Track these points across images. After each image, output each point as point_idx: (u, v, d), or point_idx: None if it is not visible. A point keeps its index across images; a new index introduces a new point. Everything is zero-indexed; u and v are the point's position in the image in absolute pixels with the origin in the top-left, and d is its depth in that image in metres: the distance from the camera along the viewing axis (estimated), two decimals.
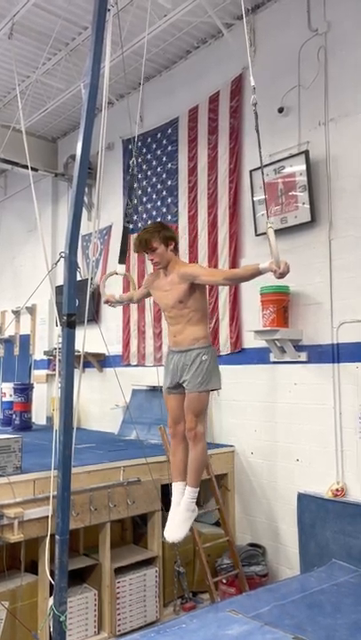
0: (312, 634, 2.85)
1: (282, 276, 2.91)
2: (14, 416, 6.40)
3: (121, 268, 4.06)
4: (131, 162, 4.19)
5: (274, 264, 2.89)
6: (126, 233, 4.12)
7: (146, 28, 4.57)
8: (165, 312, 3.54)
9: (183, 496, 3.44)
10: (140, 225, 6.07)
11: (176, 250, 3.53)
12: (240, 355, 4.94)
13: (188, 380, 3.36)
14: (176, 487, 3.51)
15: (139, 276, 5.96)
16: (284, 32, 4.76)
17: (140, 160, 5.94)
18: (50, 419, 7.01)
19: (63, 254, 3.16)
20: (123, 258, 4.06)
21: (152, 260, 3.48)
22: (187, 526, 3.42)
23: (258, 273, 3.07)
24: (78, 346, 3.36)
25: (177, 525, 3.40)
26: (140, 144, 6.11)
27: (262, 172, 3.26)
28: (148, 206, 6.01)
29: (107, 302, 4.04)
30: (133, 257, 5.99)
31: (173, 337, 3.49)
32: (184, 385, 3.40)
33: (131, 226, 4.20)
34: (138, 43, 5.28)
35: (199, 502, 4.66)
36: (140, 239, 3.45)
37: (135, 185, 6.06)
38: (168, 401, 3.55)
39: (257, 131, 3.02)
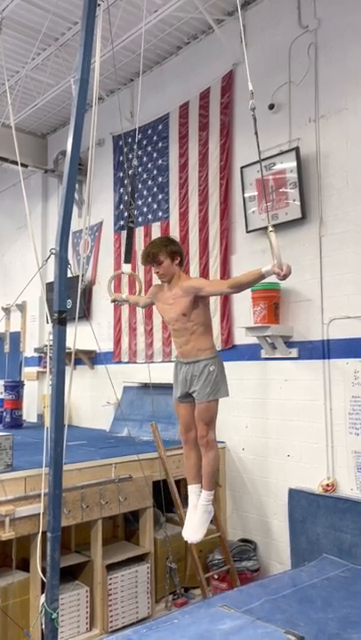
0: (303, 628, 2.86)
1: (285, 277, 2.96)
2: (5, 414, 6.39)
3: (127, 268, 4.13)
4: (132, 160, 4.18)
5: (276, 267, 2.94)
6: (131, 233, 4.15)
7: (142, 19, 4.55)
8: (170, 325, 3.59)
9: (199, 498, 3.55)
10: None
11: (181, 264, 3.58)
12: (231, 351, 4.95)
13: (198, 390, 3.44)
14: (191, 490, 3.63)
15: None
16: (274, 29, 4.76)
17: (130, 156, 5.93)
18: (41, 416, 7.00)
19: (54, 251, 3.15)
20: (128, 257, 4.11)
21: (157, 272, 3.54)
22: (205, 527, 3.56)
23: (261, 277, 3.11)
24: (69, 343, 3.35)
25: (196, 527, 3.53)
26: (130, 140, 6.09)
27: (262, 175, 3.28)
28: (139, 202, 6.00)
29: (113, 302, 4.21)
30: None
31: (179, 348, 3.55)
32: (194, 395, 3.48)
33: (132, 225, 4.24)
34: (128, 38, 5.26)
35: None
36: (148, 253, 3.52)
37: (126, 182, 6.04)
38: (179, 410, 3.64)
39: (256, 135, 3.06)
